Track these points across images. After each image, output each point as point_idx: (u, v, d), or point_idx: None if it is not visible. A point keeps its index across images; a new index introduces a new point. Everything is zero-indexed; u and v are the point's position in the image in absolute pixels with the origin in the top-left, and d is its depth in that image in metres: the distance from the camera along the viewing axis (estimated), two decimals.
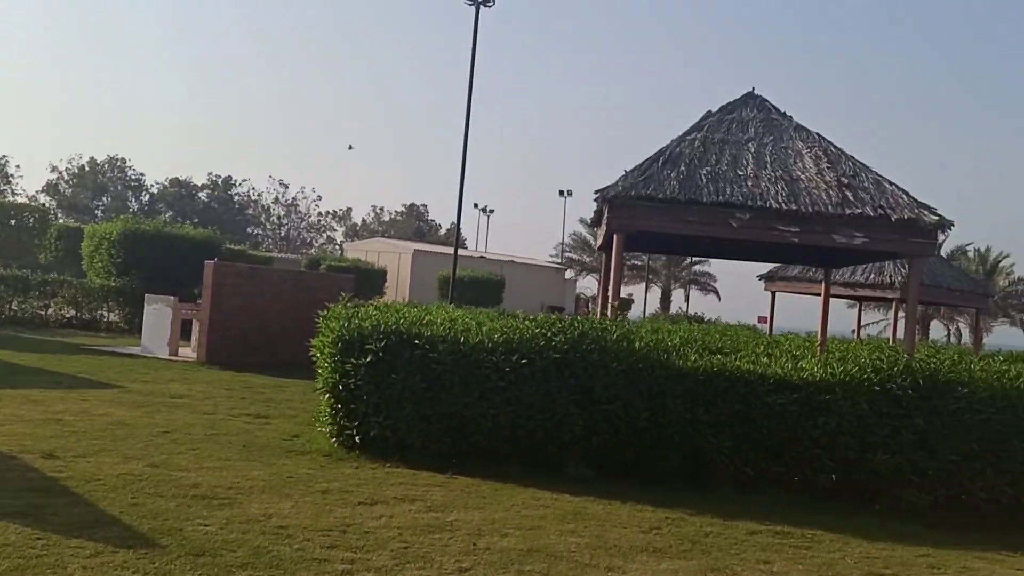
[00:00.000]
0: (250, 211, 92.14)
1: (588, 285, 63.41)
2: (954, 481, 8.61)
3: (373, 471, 8.78)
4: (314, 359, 10.29)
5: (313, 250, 79.02)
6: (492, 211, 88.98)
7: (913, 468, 8.62)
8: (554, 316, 9.82)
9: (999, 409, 8.53)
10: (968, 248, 50.12)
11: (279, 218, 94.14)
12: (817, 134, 12.68)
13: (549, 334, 9.24)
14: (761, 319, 33.90)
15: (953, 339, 46.56)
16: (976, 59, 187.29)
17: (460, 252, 35.51)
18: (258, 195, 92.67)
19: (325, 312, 10.32)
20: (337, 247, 79.04)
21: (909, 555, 7.44)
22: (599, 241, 13.75)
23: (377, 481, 8.37)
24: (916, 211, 11.20)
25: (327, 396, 9.75)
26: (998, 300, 45.32)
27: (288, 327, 18.12)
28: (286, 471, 8.52)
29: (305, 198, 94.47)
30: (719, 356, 9.69)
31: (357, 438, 9.38)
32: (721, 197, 11.25)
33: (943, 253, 30.43)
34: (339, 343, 9.49)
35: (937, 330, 48.24)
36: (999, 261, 50.25)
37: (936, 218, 11.17)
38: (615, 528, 7.41)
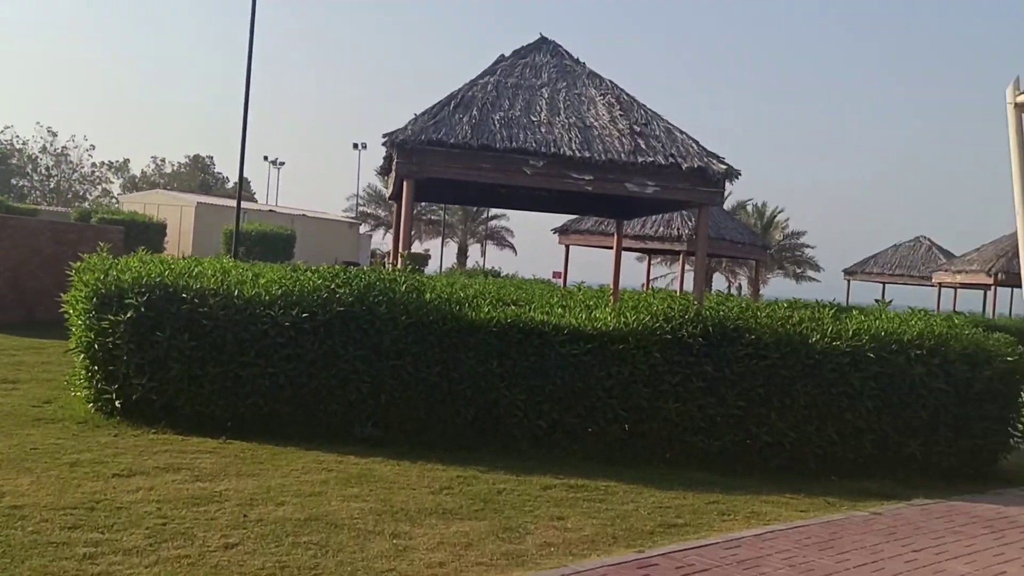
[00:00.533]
0: (14, 161, 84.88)
1: (384, 241, 62.55)
2: (741, 426, 8.66)
3: (135, 438, 7.89)
4: (67, 317, 9.21)
5: (87, 203, 73.74)
6: (283, 164, 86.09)
7: (703, 415, 8.61)
8: (338, 268, 9.18)
9: (783, 355, 8.62)
10: (748, 203, 52.79)
11: (47, 168, 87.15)
12: (610, 81, 12.54)
13: (333, 286, 8.60)
14: (556, 274, 34.32)
15: (734, 291, 48.99)
16: (749, 24, 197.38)
17: (248, 206, 33.79)
18: (23, 143, 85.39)
19: (79, 264, 9.23)
20: (114, 200, 74.07)
21: (700, 502, 7.38)
22: (390, 190, 13.14)
23: (138, 450, 7.51)
24: (705, 160, 11.26)
25: (81, 357, 8.73)
26: (774, 253, 48.00)
27: (47, 284, 16.48)
28: (31, 442, 7.51)
29: (76, 147, 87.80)
30: (513, 308, 9.35)
31: (117, 403, 8.43)
32: (515, 143, 10.91)
33: (726, 207, 31.66)
34: (94, 298, 8.48)
35: (719, 282, 50.66)
36: (775, 216, 53.26)
37: (724, 167, 11.28)
38: (403, 490, 6.94)
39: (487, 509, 6.63)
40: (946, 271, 33.26)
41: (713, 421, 8.64)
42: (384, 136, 10.78)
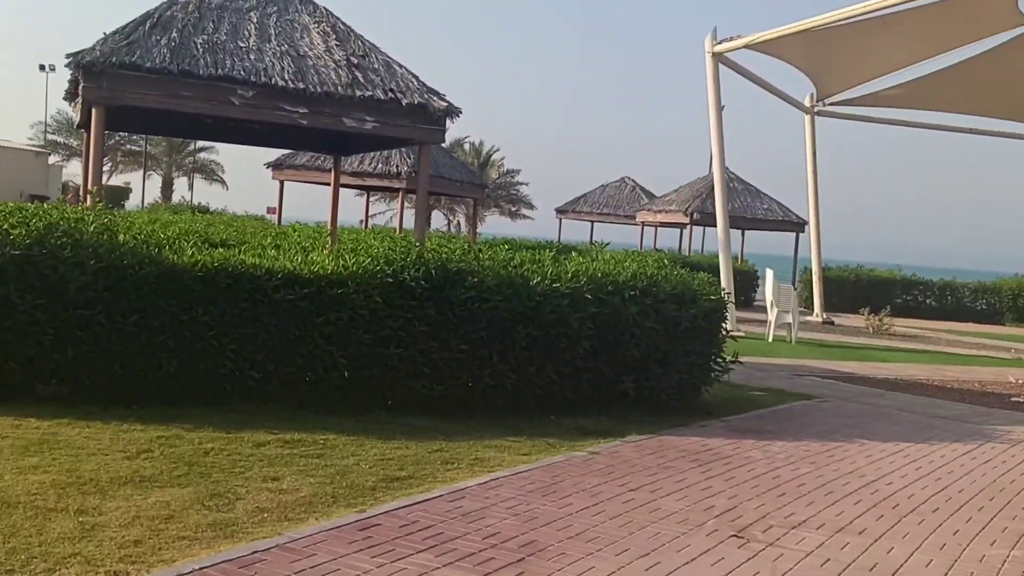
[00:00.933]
0: None
1: (77, 171, 57.55)
2: (464, 370, 8.52)
3: None
4: None
5: None
6: None
7: (425, 360, 8.37)
8: (12, 205, 8.02)
9: (505, 297, 8.53)
10: (465, 141, 53.30)
11: None
12: (325, 9, 11.83)
13: (6, 226, 7.49)
14: (271, 209, 33.02)
15: (453, 229, 49.50)
16: None
17: None
18: None
19: None
20: None
21: (423, 452, 7.15)
22: (78, 118, 11.76)
23: None
24: (426, 96, 10.91)
25: None
26: (490, 191, 48.84)
27: None
28: None
29: None
30: (221, 250, 8.62)
31: None
32: (220, 70, 10.01)
33: (443, 145, 31.65)
34: None
35: (437, 220, 50.97)
36: (491, 155, 54.17)
37: (445, 104, 10.97)
38: (93, 457, 6.17)
39: (192, 473, 6.03)
40: (648, 210, 35.22)
41: (436, 365, 8.43)
42: (68, 57, 9.53)
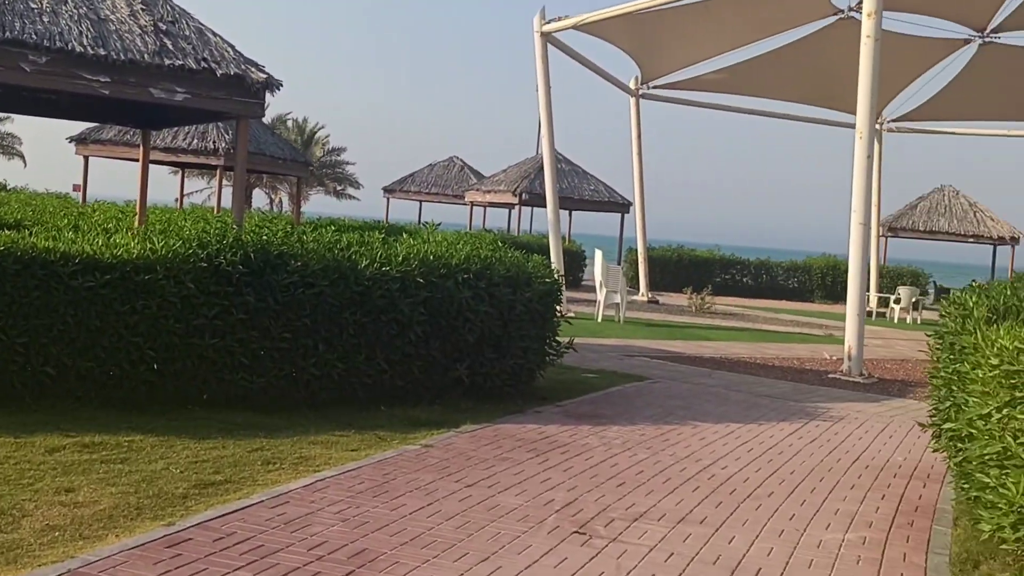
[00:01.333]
0: None
1: None
2: (287, 360, 7.97)
3: None
4: None
5: None
6: None
7: (244, 350, 7.77)
8: None
9: (332, 282, 8.02)
10: (288, 118, 51.61)
11: None
12: None
13: None
14: (76, 187, 30.91)
15: (276, 208, 47.89)
16: None
17: None
18: None
19: None
20: None
21: (242, 451, 6.60)
22: None
23: None
24: (243, 67, 10.18)
25: None
26: (315, 170, 47.51)
27: None
28: None
29: None
30: (8, 232, 7.71)
31: None
32: (8, 33, 9.02)
33: (265, 121, 30.43)
34: None
35: (259, 199, 49.14)
36: (315, 132, 52.66)
37: (264, 76, 10.28)
38: None
39: None
40: (477, 190, 35.05)
41: (256, 356, 7.84)
42: None
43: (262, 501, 5.50)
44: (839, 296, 31.12)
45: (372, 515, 5.39)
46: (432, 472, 6.43)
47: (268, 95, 10.59)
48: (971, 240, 32.44)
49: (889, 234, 32.00)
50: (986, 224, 32.24)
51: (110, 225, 9.88)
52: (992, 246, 33.67)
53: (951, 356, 6.31)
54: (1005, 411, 4.88)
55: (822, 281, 32.30)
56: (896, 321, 24.90)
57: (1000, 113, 26.61)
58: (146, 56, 9.62)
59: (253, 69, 10.22)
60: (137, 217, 12.92)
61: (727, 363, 13.58)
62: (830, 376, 12.93)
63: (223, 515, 5.18)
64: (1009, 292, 6.58)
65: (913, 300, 25.39)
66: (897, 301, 25.41)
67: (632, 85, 24.88)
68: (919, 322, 24.95)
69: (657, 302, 24.70)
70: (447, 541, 5.05)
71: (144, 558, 4.47)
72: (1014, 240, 32.00)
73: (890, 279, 29.80)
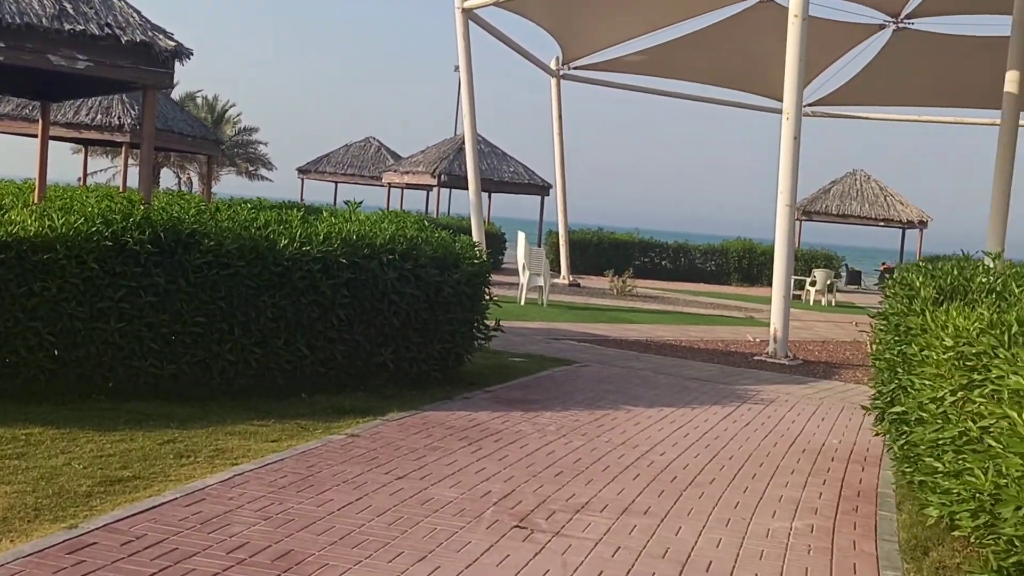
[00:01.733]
0: None
1: None
2: (201, 346, 7.47)
3: None
4: None
5: None
6: None
7: (154, 335, 7.26)
8: None
9: (248, 262, 7.55)
10: (197, 95, 50.02)
11: None
12: None
13: None
14: None
15: (184, 187, 46.41)
16: None
17: None
18: None
19: None
20: None
21: (152, 444, 6.12)
22: None
23: None
24: (150, 34, 9.55)
25: None
26: (226, 149, 46.16)
27: None
28: None
29: None
30: None
31: None
32: None
33: (174, 98, 29.33)
34: None
35: (168, 178, 47.55)
36: (227, 110, 51.17)
37: (173, 44, 9.65)
38: None
39: None
40: (395, 171, 34.41)
41: (167, 341, 7.33)
42: None
43: (175, 499, 5.05)
44: (755, 279, 31.51)
45: (297, 512, 5.00)
46: (360, 464, 6.05)
47: (177, 63, 9.99)
48: (881, 224, 33.14)
49: (804, 217, 32.45)
50: (896, 208, 32.96)
51: (5, 202, 9.19)
52: (901, 229, 34.48)
53: (896, 337, 6.17)
54: (960, 394, 4.71)
55: (738, 264, 32.61)
56: (812, 303, 25.22)
57: (913, 98, 27.14)
58: (44, 20, 8.94)
59: (161, 36, 9.61)
60: (36, 194, 12.15)
61: (654, 346, 13.43)
62: (756, 358, 12.88)
63: (132, 515, 4.73)
64: (956, 272, 6.47)
65: (828, 283, 25.76)
66: (813, 283, 25.76)
67: (553, 65, 24.61)
68: (833, 304, 25.34)
69: (579, 285, 24.56)
70: (380, 539, 4.69)
71: (42, 566, 4.02)
72: (922, 224, 32.78)
73: (804, 262, 30.22)
